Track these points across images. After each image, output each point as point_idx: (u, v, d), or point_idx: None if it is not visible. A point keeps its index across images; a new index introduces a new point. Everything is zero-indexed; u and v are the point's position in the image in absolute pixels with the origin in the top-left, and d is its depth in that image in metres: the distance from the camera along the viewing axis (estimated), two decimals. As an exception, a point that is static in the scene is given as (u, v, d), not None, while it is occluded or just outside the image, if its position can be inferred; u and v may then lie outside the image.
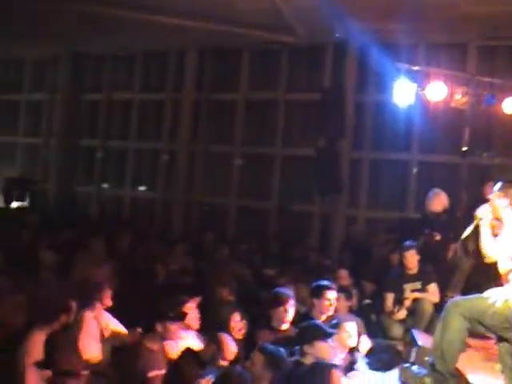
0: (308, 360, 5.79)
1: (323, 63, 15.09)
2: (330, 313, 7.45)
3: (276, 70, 15.86)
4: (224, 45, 16.16)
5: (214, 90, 16.74)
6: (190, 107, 16.59)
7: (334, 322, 6.85)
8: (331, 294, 7.49)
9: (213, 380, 5.10)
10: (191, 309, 6.84)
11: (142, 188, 17.87)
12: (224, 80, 16.80)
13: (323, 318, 7.33)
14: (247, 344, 6.64)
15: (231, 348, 5.98)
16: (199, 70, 16.70)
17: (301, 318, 7.26)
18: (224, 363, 5.84)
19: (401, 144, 14.26)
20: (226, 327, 6.66)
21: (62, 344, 4.82)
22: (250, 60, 16.22)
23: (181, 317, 6.24)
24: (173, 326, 6.02)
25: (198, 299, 7.06)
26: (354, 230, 14.40)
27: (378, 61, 11.83)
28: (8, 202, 18.90)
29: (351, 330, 6.75)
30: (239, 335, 6.82)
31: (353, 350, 6.81)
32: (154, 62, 17.86)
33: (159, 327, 5.96)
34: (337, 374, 5.04)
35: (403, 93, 10.04)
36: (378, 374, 6.29)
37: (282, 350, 5.50)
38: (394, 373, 6.18)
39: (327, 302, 7.41)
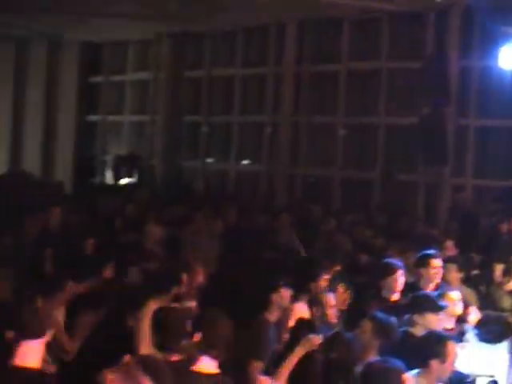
0: (417, 330, 5.80)
1: (425, 30, 14.76)
2: (437, 281, 7.40)
3: (377, 39, 15.70)
4: (323, 16, 16.09)
5: (314, 61, 16.71)
6: (291, 80, 16.61)
7: (439, 291, 6.81)
8: (437, 263, 7.44)
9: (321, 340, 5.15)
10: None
11: (245, 162, 18.09)
12: (325, 51, 16.79)
13: (431, 286, 7.30)
14: (354, 314, 6.69)
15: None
16: (299, 42, 16.67)
17: (408, 287, 7.23)
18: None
19: (507, 110, 13.87)
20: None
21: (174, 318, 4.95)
22: (351, 30, 16.06)
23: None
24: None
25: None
26: (460, 199, 14.14)
27: (483, 25, 11.54)
28: (117, 178, 19.54)
29: (456, 299, 6.70)
30: (343, 306, 6.90)
31: (460, 321, 6.76)
32: (255, 37, 17.96)
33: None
34: (452, 344, 5.02)
35: (510, 57, 9.77)
36: (488, 346, 6.22)
37: (392, 318, 5.51)
38: (504, 345, 6.10)
39: (433, 271, 7.37)
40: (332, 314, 6.09)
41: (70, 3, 16.32)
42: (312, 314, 6.29)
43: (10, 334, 3.94)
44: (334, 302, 6.08)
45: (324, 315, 6.19)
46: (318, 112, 16.66)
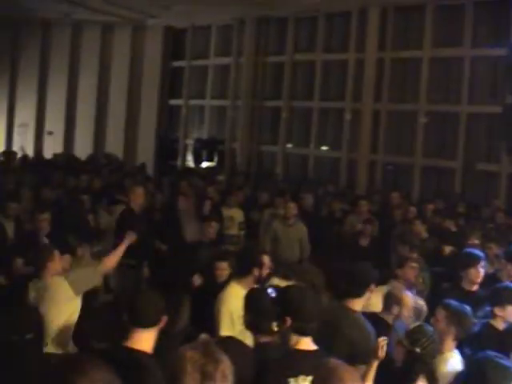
0: (497, 323, 5.81)
1: (509, 16, 14.51)
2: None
3: (460, 26, 15.49)
4: (406, 2, 15.99)
5: (396, 48, 16.62)
6: (372, 66, 16.57)
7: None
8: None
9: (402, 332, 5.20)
10: None
11: (325, 148, 18.14)
12: (407, 38, 16.66)
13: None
14: (433, 302, 6.71)
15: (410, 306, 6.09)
16: (381, 28, 16.59)
17: (488, 278, 7.18)
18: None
19: None
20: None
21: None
22: (434, 16, 15.90)
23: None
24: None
25: None
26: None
27: None
28: (198, 162, 19.87)
29: None
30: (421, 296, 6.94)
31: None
32: (337, 23, 17.93)
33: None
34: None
35: None
36: None
37: (466, 307, 5.51)
38: None
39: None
40: (408, 315, 6.09)
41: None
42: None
43: (125, 318, 4.24)
44: (412, 302, 6.09)
45: (400, 314, 6.18)
46: (399, 99, 16.58)
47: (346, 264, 7.11)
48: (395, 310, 5.86)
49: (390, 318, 5.85)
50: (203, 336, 5.30)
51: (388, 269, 7.81)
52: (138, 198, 9.46)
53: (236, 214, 11.39)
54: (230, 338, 4.92)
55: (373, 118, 16.58)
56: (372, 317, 5.59)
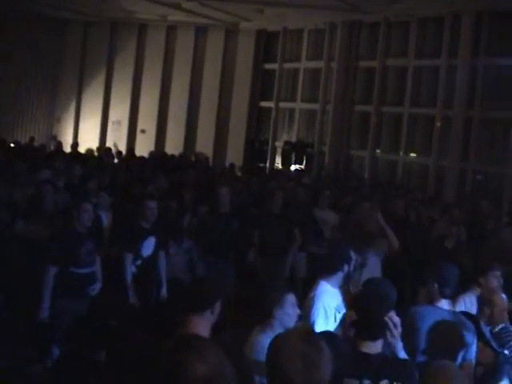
0: None
1: None
2: None
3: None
4: (502, 7, 15.72)
5: (490, 54, 16.36)
6: (465, 72, 16.40)
7: None
8: None
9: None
10: None
11: (414, 154, 18.03)
12: (502, 44, 16.33)
13: None
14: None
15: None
16: (475, 34, 16.39)
17: None
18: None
19: None
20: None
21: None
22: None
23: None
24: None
25: None
26: None
27: None
28: (286, 164, 20.03)
29: None
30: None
31: None
32: (429, 28, 17.78)
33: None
34: None
35: None
36: None
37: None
38: None
39: None
40: (499, 316, 6.08)
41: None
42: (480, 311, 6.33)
43: (182, 306, 4.43)
44: (505, 304, 6.06)
45: (492, 315, 6.19)
46: (492, 107, 16.31)
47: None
48: (486, 311, 5.89)
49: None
50: (302, 324, 5.44)
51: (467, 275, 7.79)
52: (221, 198, 9.60)
53: (329, 217, 11.42)
54: (328, 332, 4.96)
55: (464, 126, 16.39)
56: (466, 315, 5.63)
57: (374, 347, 3.96)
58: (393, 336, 3.98)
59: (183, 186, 12.50)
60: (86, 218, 7.31)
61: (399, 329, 3.99)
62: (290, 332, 2.97)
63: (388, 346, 4.03)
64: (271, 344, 2.94)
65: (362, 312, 4.07)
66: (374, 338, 3.97)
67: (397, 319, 3.99)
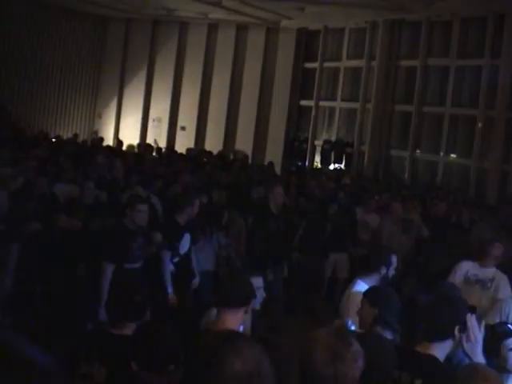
0: None
1: None
2: None
3: None
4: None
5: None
6: (508, 73, 16.23)
7: None
8: None
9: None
10: None
11: (454, 155, 17.87)
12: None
13: None
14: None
15: None
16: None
17: None
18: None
19: None
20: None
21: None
22: None
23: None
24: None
25: None
26: None
27: None
28: (325, 163, 20.00)
29: None
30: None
31: None
32: (472, 28, 17.60)
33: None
34: None
35: None
36: None
37: None
38: None
39: None
40: None
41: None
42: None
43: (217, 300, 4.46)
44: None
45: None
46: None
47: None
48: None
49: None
50: (337, 321, 5.48)
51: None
52: (277, 197, 9.38)
53: (373, 220, 11.33)
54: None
55: (506, 127, 16.20)
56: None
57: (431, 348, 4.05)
58: (469, 340, 4.02)
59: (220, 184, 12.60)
60: (141, 218, 7.45)
61: (476, 333, 4.04)
62: (323, 328, 3.02)
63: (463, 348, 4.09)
64: (304, 339, 3.01)
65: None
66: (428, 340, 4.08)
67: (474, 323, 4.04)
